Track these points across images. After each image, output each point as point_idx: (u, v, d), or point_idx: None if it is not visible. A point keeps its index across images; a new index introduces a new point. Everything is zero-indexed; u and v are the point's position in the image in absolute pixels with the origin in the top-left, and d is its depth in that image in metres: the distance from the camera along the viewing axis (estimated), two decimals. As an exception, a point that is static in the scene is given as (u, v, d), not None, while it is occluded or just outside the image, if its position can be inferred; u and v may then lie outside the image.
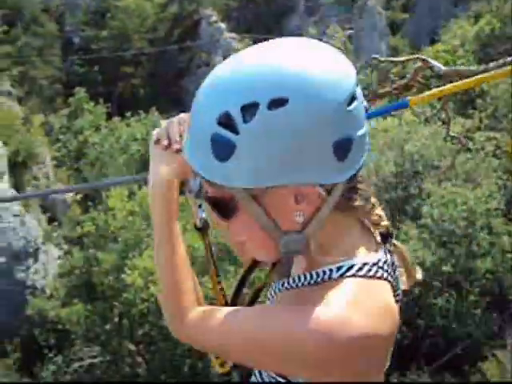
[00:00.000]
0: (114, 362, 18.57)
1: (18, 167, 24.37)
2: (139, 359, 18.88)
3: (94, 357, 18.40)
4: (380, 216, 1.27)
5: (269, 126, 1.08)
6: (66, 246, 21.69)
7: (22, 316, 20.77)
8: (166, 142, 1.37)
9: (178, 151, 1.34)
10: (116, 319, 18.56)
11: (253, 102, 1.08)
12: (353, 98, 1.12)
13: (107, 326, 18.06)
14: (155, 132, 1.42)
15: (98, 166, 23.28)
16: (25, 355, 19.81)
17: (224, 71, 1.17)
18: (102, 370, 18.52)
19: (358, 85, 1.15)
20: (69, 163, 26.44)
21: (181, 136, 1.36)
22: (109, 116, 29.73)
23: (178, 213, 1.36)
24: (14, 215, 22.00)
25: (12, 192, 23.06)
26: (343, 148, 1.11)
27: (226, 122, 1.11)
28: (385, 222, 1.27)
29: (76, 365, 18.67)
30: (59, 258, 22.43)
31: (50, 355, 19.12)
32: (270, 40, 1.19)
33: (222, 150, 1.11)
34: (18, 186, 23.78)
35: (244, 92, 1.10)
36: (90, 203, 20.08)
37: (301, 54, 1.12)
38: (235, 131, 1.10)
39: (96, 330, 18.41)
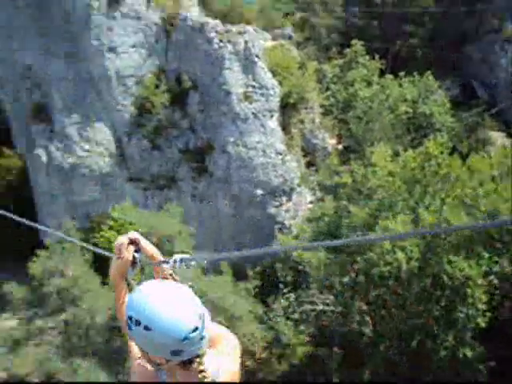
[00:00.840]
0: (343, 315, 19.24)
1: (288, 108, 26.04)
2: (367, 319, 19.25)
3: (326, 304, 19.28)
4: (202, 370, 2.67)
5: (141, 335, 2.55)
6: (319, 193, 22.76)
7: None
8: (117, 253, 3.19)
9: (119, 258, 3.18)
10: (354, 275, 19.06)
11: (138, 320, 2.54)
12: (186, 338, 2.52)
13: (345, 279, 18.70)
14: (115, 242, 3.20)
15: (364, 121, 23.65)
16: (263, 284, 21.63)
17: (143, 293, 2.62)
18: (330, 319, 19.34)
19: (196, 329, 2.54)
20: (335, 113, 27.36)
21: (119, 250, 3.22)
22: (382, 72, 29.84)
23: (123, 286, 3.26)
24: (277, 153, 23.76)
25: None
26: (177, 353, 2.55)
27: (130, 318, 2.58)
28: (205, 374, 2.69)
29: (307, 307, 19.80)
30: (311, 202, 23.71)
31: (285, 291, 20.58)
32: (167, 284, 2.71)
33: (129, 326, 2.60)
34: (285, 126, 25.49)
35: (139, 313, 2.54)
36: (351, 155, 20.57)
37: (169, 306, 2.54)
38: (132, 325, 2.57)
39: (333, 280, 19.20)
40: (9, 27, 26.63)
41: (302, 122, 27.00)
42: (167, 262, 3.05)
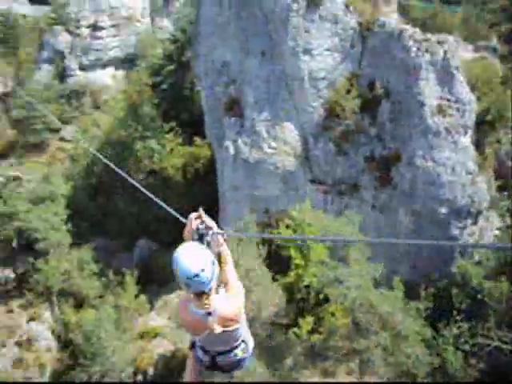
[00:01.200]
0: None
1: (484, 126, 24.86)
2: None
3: (504, 342, 18.18)
4: (206, 303, 4.56)
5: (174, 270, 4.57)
6: (509, 220, 21.49)
7: (446, 270, 21.87)
8: (188, 223, 4.96)
9: (190, 227, 4.95)
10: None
11: (174, 261, 4.61)
12: (189, 278, 4.45)
13: (530, 317, 17.50)
14: (189, 217, 5.00)
15: None
16: (434, 307, 20.87)
17: (179, 248, 4.67)
18: (506, 358, 18.21)
19: (197, 276, 4.43)
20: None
21: (190, 221, 5.00)
22: None
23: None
24: (468, 172, 22.83)
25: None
26: (187, 285, 4.48)
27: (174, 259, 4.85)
28: (207, 306, 4.59)
29: (481, 340, 18.77)
30: (498, 229, 22.47)
31: (458, 318, 19.70)
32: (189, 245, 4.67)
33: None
34: (478, 144, 24.39)
35: (174, 258, 4.56)
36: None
37: (185, 258, 4.47)
38: (173, 264, 4.69)
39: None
40: (212, 24, 28.70)
41: (498, 141, 25.63)
42: (210, 232, 4.90)
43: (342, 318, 20.82)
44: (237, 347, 4.90)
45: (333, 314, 21.12)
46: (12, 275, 32.53)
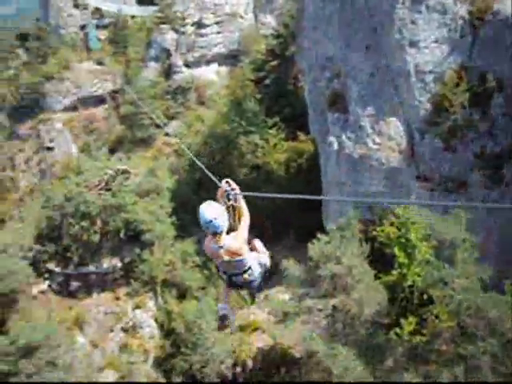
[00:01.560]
0: None
1: None
2: None
3: None
4: (219, 239, 6.87)
5: None
6: None
7: None
8: (222, 186, 7.18)
9: (221, 189, 7.20)
10: None
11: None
12: (206, 222, 6.69)
13: None
14: (222, 182, 7.21)
15: None
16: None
17: (204, 203, 6.88)
18: None
19: (211, 221, 6.63)
20: None
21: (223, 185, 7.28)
22: None
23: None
24: None
25: None
26: (207, 227, 6.73)
27: None
28: (219, 240, 6.91)
29: None
30: None
31: None
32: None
33: None
34: None
35: (200, 210, 6.87)
36: None
37: (205, 210, 6.71)
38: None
39: None
40: (315, 19, 28.65)
41: None
42: (231, 192, 6.98)
43: (446, 320, 20.11)
44: (245, 272, 7.06)
45: (437, 316, 20.46)
46: (119, 264, 34.23)
